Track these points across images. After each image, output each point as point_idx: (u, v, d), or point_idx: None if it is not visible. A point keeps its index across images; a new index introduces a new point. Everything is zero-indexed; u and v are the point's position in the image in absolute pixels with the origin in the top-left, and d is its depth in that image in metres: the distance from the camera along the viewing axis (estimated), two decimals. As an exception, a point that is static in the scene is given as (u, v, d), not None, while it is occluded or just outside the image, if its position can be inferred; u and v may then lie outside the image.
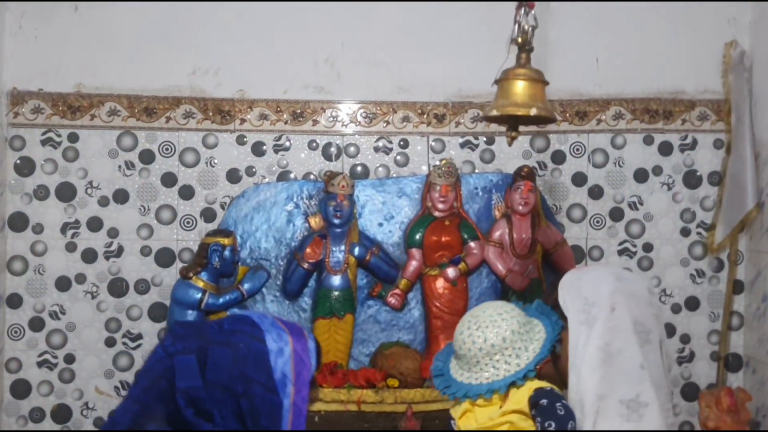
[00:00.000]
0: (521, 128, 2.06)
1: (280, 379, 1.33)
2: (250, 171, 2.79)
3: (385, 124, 2.84)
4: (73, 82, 2.75)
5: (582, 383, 1.49)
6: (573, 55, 2.86)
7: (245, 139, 2.80)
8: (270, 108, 2.80)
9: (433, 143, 2.84)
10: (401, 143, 2.84)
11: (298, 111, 2.81)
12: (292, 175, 2.80)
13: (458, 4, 2.80)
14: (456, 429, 1.55)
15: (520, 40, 1.96)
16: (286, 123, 2.81)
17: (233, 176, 2.79)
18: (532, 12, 1.96)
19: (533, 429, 1.46)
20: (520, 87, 1.90)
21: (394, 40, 2.83)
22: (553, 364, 1.57)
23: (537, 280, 2.64)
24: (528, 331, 1.54)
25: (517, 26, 1.97)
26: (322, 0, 2.78)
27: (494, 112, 1.92)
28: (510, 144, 2.02)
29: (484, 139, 2.85)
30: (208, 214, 2.78)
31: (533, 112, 1.86)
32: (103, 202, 2.75)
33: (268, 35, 2.79)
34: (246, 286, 2.59)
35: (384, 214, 2.74)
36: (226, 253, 2.55)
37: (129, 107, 2.76)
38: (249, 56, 2.79)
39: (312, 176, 2.80)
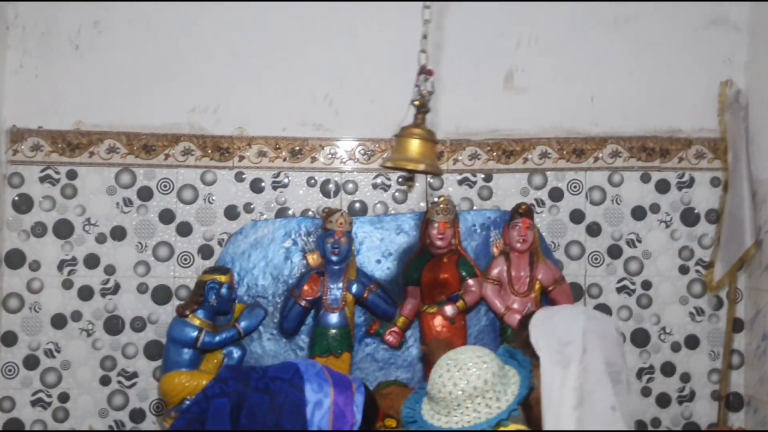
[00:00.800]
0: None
1: None
2: (248, 208, 2.79)
3: (383, 162, 2.84)
4: (73, 120, 2.77)
5: (561, 424, 1.49)
6: (568, 93, 2.88)
7: (244, 176, 2.80)
8: (269, 145, 2.81)
9: (431, 180, 2.85)
10: (399, 180, 2.84)
11: (297, 148, 2.82)
12: (290, 212, 2.80)
13: (457, 44, 2.82)
14: None
15: (417, 102, 2.15)
16: (284, 160, 2.82)
17: (231, 213, 2.79)
18: (431, 79, 2.15)
19: None
20: (414, 144, 2.18)
21: (393, 78, 2.82)
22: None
23: (536, 318, 2.62)
24: (504, 374, 1.54)
25: (416, 90, 2.21)
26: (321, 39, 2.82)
27: (389, 164, 2.18)
28: (408, 190, 2.28)
29: (482, 176, 2.85)
30: (205, 251, 2.77)
31: (421, 167, 2.13)
32: (101, 239, 2.74)
33: (267, 73, 2.81)
34: (243, 324, 2.57)
35: (382, 251, 2.73)
36: (223, 290, 2.53)
37: (128, 144, 2.77)
38: (248, 94, 2.81)
39: (310, 213, 2.80)
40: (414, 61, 2.87)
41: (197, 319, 2.50)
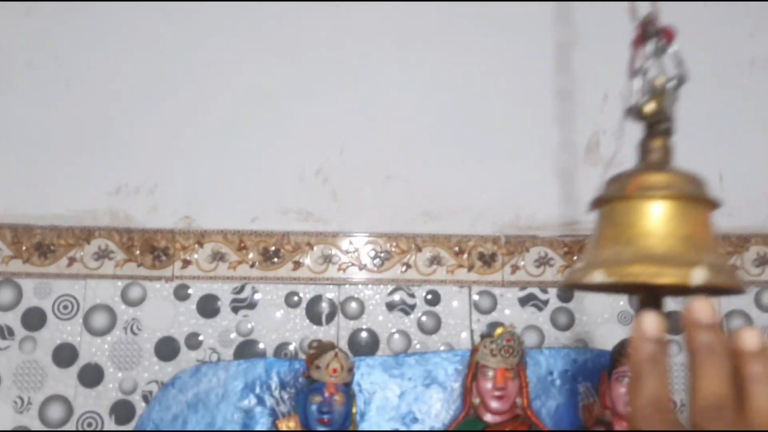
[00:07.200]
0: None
1: None
2: (193, 341, 1.79)
3: (404, 268, 1.86)
4: (-67, 205, 1.84)
5: None
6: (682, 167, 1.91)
7: (188, 291, 1.82)
8: (229, 243, 1.85)
9: (477, 297, 1.85)
10: (429, 297, 1.85)
11: (273, 248, 1.85)
12: (260, 347, 1.80)
13: (517, 89, 1.89)
14: None
15: (647, 107, 0.81)
16: (252, 266, 1.84)
17: (167, 350, 1.78)
18: (672, 49, 0.84)
19: None
20: (656, 218, 0.76)
21: (417, 144, 1.91)
22: None
23: None
24: None
25: (640, 79, 0.87)
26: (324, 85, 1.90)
27: (599, 277, 0.72)
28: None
29: (558, 292, 1.85)
30: (122, 413, 1.75)
31: (699, 277, 0.69)
32: (-42, 390, 1.74)
33: (230, 138, 1.89)
34: None
35: (402, 415, 1.70)
36: (132, 489, 1.50)
37: (14, 243, 1.81)
38: (201, 167, 1.87)
39: (291, 348, 1.80)
40: (449, 118, 1.96)
41: None
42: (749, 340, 0.45)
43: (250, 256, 1.84)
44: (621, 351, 1.62)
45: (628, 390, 0.54)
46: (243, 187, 1.87)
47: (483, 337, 1.67)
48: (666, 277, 0.69)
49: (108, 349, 1.78)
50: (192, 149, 1.87)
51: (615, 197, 0.77)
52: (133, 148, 1.86)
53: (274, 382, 1.68)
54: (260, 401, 1.67)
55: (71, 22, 1.89)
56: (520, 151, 1.89)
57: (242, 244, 1.85)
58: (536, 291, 1.85)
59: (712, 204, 0.77)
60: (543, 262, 1.86)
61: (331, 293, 1.84)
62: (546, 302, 1.84)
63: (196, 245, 1.84)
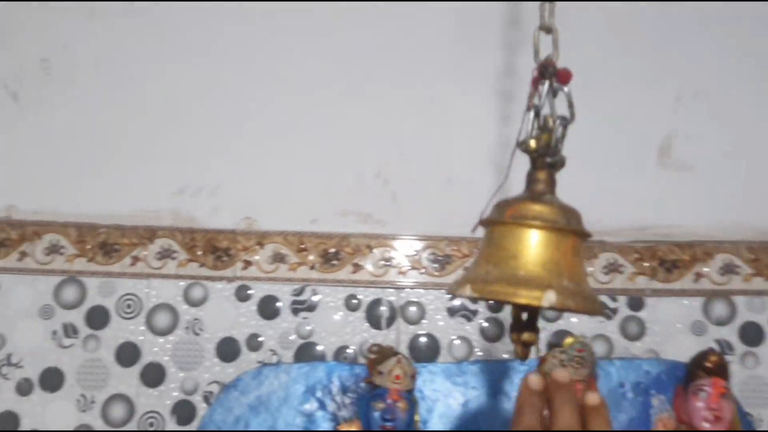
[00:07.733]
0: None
1: None
2: (254, 342, 1.78)
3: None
4: (2, 204, 1.86)
5: None
6: (761, 171, 1.83)
7: (249, 292, 1.81)
8: (289, 245, 1.83)
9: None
10: (491, 303, 1.80)
11: (332, 250, 1.82)
12: (318, 349, 1.78)
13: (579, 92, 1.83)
14: None
15: (533, 144, 0.90)
16: (312, 268, 1.82)
17: (228, 350, 1.78)
18: (567, 90, 0.90)
19: None
20: (523, 243, 0.85)
21: (478, 146, 1.86)
22: None
23: None
24: None
25: (531, 117, 0.93)
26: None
27: (467, 292, 0.86)
28: (521, 357, 0.84)
29: (627, 300, 1.78)
30: (183, 413, 1.75)
31: (547, 300, 0.79)
32: (24, 388, 1.76)
33: (291, 139, 1.87)
34: None
35: (467, 422, 1.66)
36: (195, 491, 1.49)
37: (78, 242, 1.83)
38: (262, 169, 1.86)
39: (349, 351, 1.77)
40: (506, 113, 1.92)
41: None
42: (592, 399, 0.70)
43: (310, 257, 1.82)
44: (698, 363, 1.55)
45: (513, 419, 0.72)
46: (303, 188, 1.85)
47: (552, 346, 1.62)
48: (521, 297, 0.78)
49: (170, 348, 1.78)
50: (253, 151, 1.86)
51: (495, 221, 0.86)
52: (195, 149, 1.86)
53: (336, 387, 1.66)
54: (321, 405, 1.65)
55: (136, 23, 1.90)
56: (590, 154, 1.82)
57: (302, 245, 1.83)
58: (605, 299, 1.79)
59: (579, 235, 0.84)
60: (612, 268, 1.80)
61: (390, 297, 1.81)
62: (615, 311, 1.78)
63: (257, 246, 1.83)
